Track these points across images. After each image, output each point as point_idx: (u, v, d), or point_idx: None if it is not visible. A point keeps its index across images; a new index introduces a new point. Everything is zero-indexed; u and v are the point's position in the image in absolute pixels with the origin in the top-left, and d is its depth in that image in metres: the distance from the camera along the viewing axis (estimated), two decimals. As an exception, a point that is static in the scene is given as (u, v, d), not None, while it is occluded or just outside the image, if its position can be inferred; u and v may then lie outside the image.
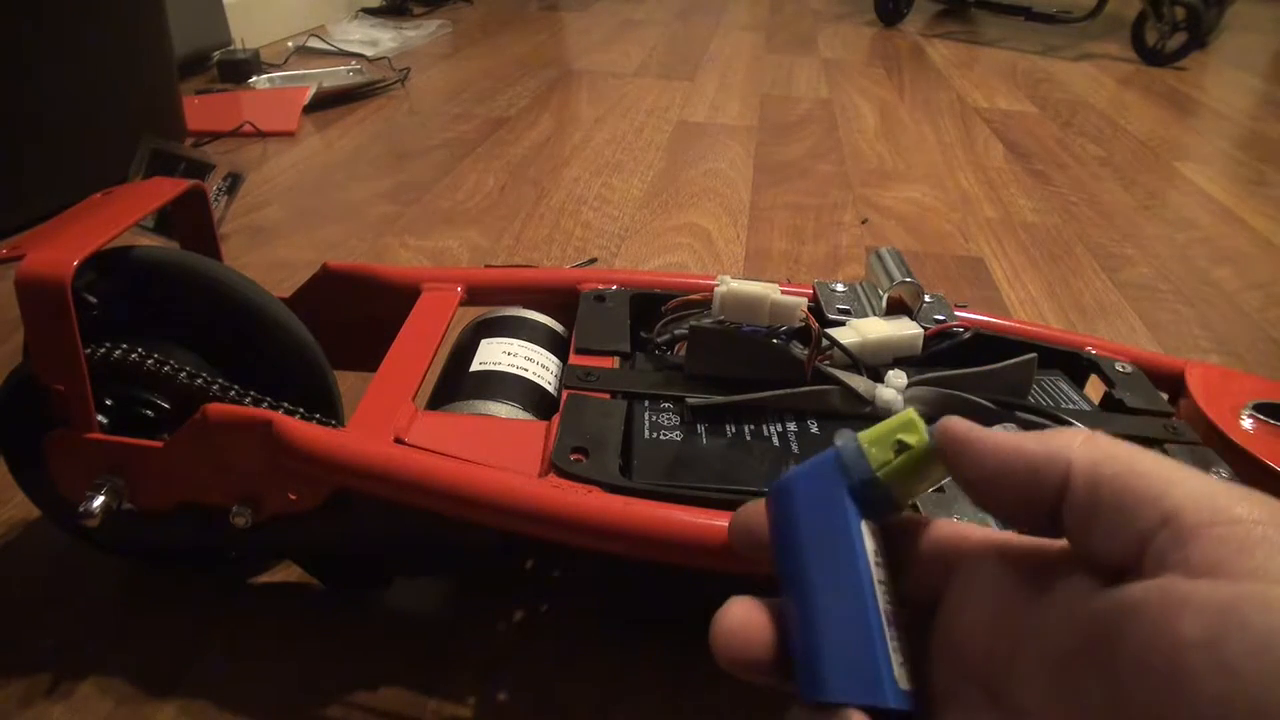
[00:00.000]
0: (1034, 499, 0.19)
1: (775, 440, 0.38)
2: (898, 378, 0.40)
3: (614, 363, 0.43)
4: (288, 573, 0.45)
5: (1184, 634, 0.15)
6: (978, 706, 0.20)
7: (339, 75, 1.40)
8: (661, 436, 0.38)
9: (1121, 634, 0.17)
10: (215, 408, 0.36)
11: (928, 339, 0.44)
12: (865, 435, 0.22)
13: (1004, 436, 0.20)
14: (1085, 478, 0.19)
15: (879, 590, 0.21)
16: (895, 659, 0.20)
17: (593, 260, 0.83)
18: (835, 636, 0.21)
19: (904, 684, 0.20)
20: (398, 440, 0.37)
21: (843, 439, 0.22)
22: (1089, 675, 0.17)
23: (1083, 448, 0.19)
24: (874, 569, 0.21)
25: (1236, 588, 0.15)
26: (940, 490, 0.34)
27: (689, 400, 0.39)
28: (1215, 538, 0.16)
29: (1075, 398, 0.44)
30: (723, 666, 0.23)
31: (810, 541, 0.22)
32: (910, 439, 0.21)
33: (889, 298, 0.45)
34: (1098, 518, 0.18)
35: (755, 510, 0.25)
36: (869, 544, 0.22)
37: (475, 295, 0.50)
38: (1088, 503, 0.18)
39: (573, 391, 0.40)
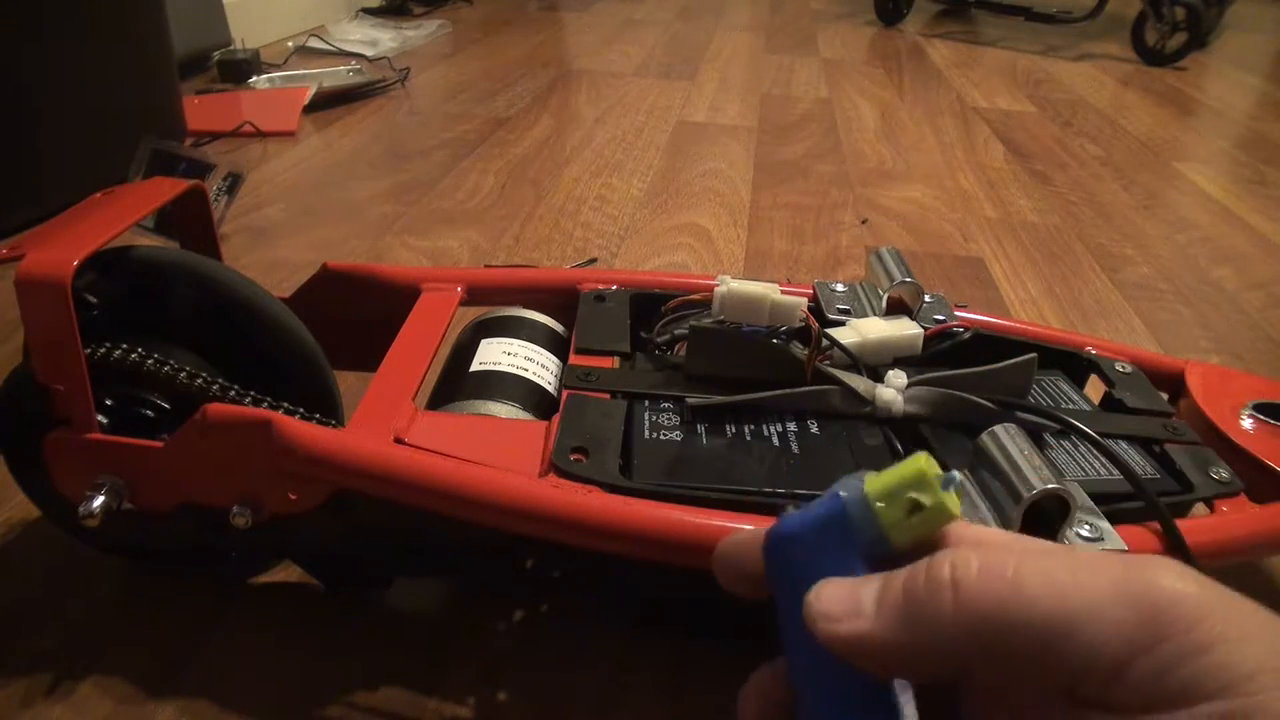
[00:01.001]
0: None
1: (775, 440, 0.38)
2: (898, 378, 0.40)
3: (614, 363, 0.43)
4: (288, 573, 0.45)
5: None
6: None
7: (339, 75, 1.40)
8: (661, 436, 0.38)
9: None
10: (215, 408, 0.36)
11: (928, 339, 0.44)
12: (874, 489, 0.21)
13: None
14: (982, 664, 0.18)
15: None
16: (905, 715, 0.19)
17: (593, 260, 0.83)
18: (831, 702, 0.20)
19: None
20: (398, 440, 0.37)
21: (848, 491, 0.21)
22: None
23: (965, 634, 0.18)
24: None
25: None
26: None
27: (689, 400, 0.39)
28: (1138, 672, 0.16)
29: (1075, 398, 0.44)
30: None
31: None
32: (924, 499, 0.20)
33: (889, 298, 0.45)
34: (1007, 692, 0.18)
35: (746, 545, 0.23)
36: None
37: (475, 295, 0.50)
38: (995, 686, 0.18)
39: (573, 391, 0.40)
